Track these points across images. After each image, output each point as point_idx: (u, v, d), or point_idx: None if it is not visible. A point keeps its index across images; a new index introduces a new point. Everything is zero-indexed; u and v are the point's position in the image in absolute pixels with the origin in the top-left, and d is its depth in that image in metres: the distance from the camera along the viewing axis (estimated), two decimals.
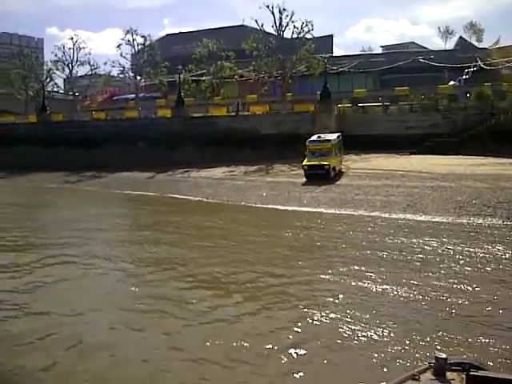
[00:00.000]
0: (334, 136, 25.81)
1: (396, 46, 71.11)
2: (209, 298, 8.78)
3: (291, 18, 39.85)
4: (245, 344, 6.72)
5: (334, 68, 43.67)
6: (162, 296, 8.91)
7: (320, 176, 23.40)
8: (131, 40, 48.70)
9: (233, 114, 38.31)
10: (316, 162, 23.92)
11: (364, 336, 6.92)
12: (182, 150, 35.67)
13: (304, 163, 24.43)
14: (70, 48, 52.72)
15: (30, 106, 52.76)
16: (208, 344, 6.75)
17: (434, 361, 2.98)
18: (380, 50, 68.57)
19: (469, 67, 42.73)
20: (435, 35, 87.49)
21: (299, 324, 7.40)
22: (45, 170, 35.71)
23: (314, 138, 25.53)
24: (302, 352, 6.45)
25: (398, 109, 36.28)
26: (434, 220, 16.22)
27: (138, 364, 6.33)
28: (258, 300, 8.71)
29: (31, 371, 6.17)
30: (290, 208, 19.74)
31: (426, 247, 12.35)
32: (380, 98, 39.77)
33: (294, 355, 6.37)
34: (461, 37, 67.82)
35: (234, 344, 6.73)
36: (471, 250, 11.89)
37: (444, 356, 2.97)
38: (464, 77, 42.50)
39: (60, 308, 8.24)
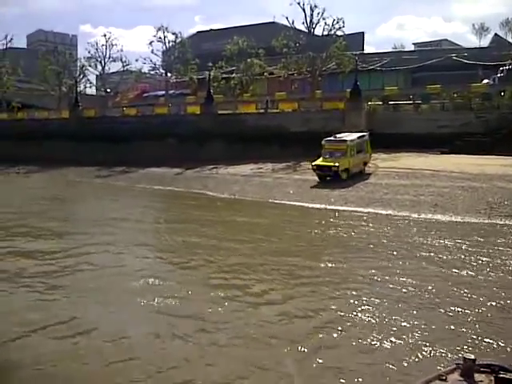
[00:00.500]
0: (353, 136, 24.65)
1: (428, 43, 69.90)
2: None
3: (322, 14, 39.57)
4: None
5: (365, 65, 43.15)
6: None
7: (332, 178, 22.92)
8: (162, 37, 49.32)
9: (261, 111, 38.31)
10: (325, 163, 23.17)
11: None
12: (211, 147, 35.89)
13: (313, 163, 23.72)
14: (102, 45, 53.64)
15: (63, 102, 53.89)
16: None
17: (461, 361, 2.93)
18: (412, 48, 67.51)
19: (504, 65, 41.60)
20: (469, 32, 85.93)
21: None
22: (76, 165, 36.54)
23: (332, 137, 24.58)
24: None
25: (430, 107, 35.59)
26: (464, 220, 15.92)
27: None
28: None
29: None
30: (317, 206, 19.65)
31: (453, 247, 12.18)
32: (411, 96, 39.10)
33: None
34: (496, 34, 66.17)
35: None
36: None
37: (472, 357, 2.93)
38: (498, 75, 41.37)
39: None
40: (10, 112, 54.77)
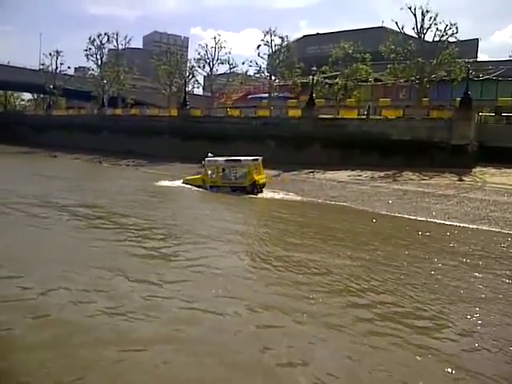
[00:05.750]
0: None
1: None
2: None
3: (434, 19, 37.92)
4: None
5: (478, 74, 40.71)
6: None
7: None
8: (269, 41, 50.16)
9: (363, 117, 37.67)
10: None
11: None
12: (309, 151, 35.99)
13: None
14: (212, 47, 55.71)
15: (172, 101, 56.82)
16: None
17: None
18: None
19: None
20: None
21: None
22: (179, 161, 38.40)
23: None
24: None
25: None
26: None
27: None
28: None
29: None
30: (417, 218, 18.93)
31: None
32: None
33: None
34: None
35: None
36: None
37: None
38: None
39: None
40: (124, 108, 58.91)
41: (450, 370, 6.45)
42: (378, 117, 37.11)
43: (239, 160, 25.49)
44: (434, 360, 6.72)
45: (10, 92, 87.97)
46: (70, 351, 6.50)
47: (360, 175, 29.45)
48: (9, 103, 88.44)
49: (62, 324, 7.33)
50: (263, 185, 25.46)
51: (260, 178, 25.28)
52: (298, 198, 24.09)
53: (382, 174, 29.00)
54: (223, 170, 25.64)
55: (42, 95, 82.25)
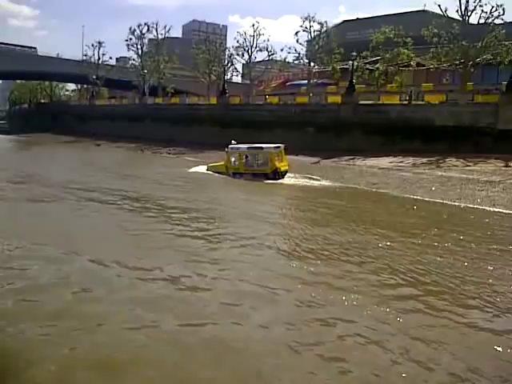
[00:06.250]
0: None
1: None
2: None
3: (480, 1, 36.68)
4: None
5: None
6: None
7: None
8: (308, 27, 49.77)
9: (405, 102, 37.01)
10: None
11: None
12: (349, 137, 35.73)
13: None
14: (250, 35, 55.60)
15: (211, 89, 57.32)
16: None
17: None
18: None
19: None
20: None
21: None
22: (219, 149, 38.67)
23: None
24: None
25: None
26: None
27: None
28: None
29: None
30: (460, 204, 18.66)
31: None
32: None
33: None
34: None
35: None
36: None
37: None
38: None
39: None
40: (164, 97, 59.86)
41: None
42: (421, 102, 36.38)
43: (261, 147, 25.89)
44: None
45: (55, 83, 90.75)
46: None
47: (402, 162, 29.06)
48: (54, 94, 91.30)
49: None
50: (285, 172, 25.72)
51: (282, 165, 25.57)
52: (337, 184, 24.15)
53: (424, 160, 28.52)
54: (246, 156, 26.09)
55: (85, 85, 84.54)
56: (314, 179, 25.63)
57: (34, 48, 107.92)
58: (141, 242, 11.43)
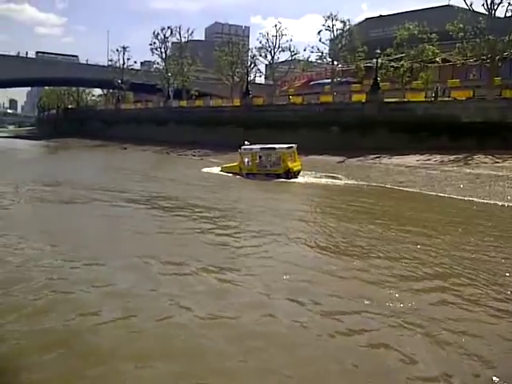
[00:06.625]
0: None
1: None
2: None
3: None
4: None
5: None
6: None
7: None
8: (331, 25, 49.63)
9: (431, 99, 36.60)
10: None
11: None
12: (374, 136, 35.50)
13: None
14: (272, 35, 55.79)
15: (235, 91, 57.65)
16: None
17: None
18: None
19: None
20: None
21: None
22: None
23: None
24: None
25: None
26: None
27: None
28: None
29: None
30: (490, 202, 18.42)
31: None
32: None
33: None
34: None
35: None
36: None
37: None
38: None
39: None
40: (189, 100, 60.46)
41: None
42: (447, 98, 35.94)
43: (274, 148, 26.03)
44: None
45: (81, 88, 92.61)
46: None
47: (429, 159, 28.77)
48: (81, 99, 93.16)
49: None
50: (298, 172, 25.83)
51: (294, 165, 25.69)
52: (362, 183, 24.09)
53: (452, 157, 28.17)
54: (260, 157, 26.24)
55: (111, 90, 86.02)
56: (337, 178, 25.66)
57: (76, 56, 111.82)
58: (178, 240, 11.63)
